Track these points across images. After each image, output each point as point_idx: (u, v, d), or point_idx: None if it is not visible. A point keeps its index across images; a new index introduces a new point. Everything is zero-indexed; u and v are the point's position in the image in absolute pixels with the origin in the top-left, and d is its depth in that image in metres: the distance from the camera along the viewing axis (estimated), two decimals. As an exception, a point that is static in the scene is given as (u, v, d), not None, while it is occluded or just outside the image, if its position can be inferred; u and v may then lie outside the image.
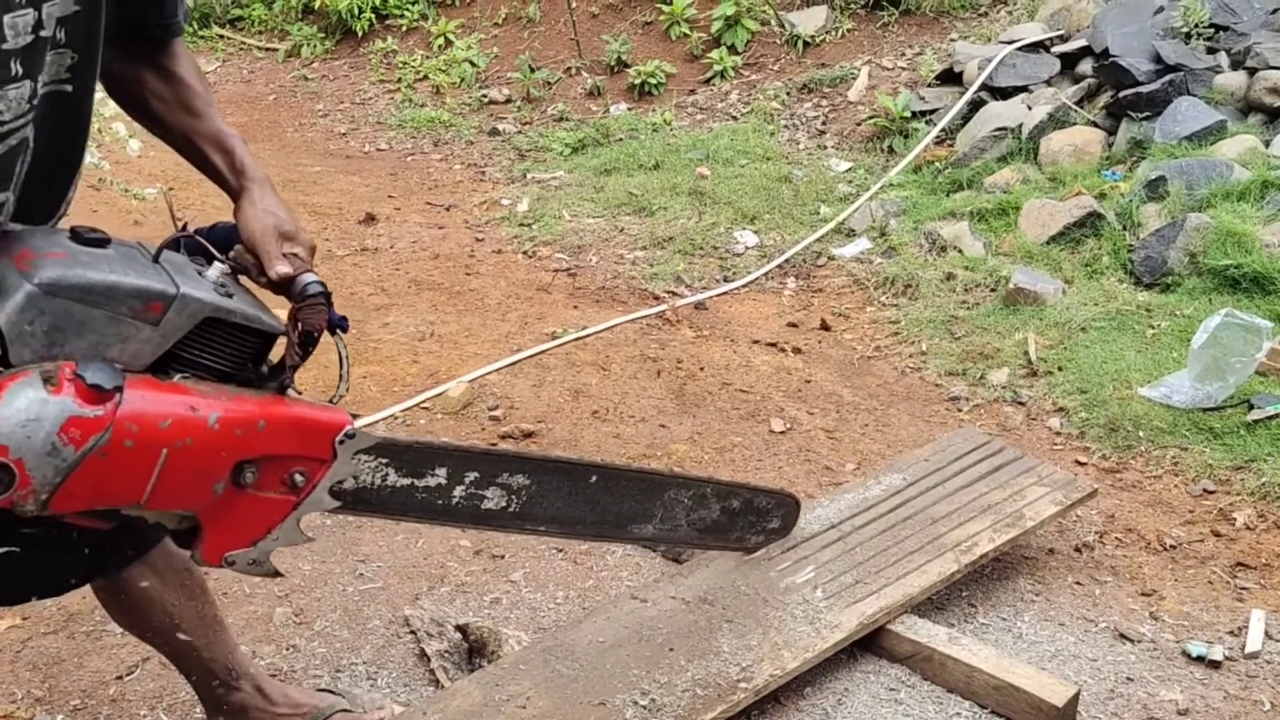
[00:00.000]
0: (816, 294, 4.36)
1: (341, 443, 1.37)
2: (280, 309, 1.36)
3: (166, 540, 1.63)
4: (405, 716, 1.89)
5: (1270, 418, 3.03)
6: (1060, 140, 4.77)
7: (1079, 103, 5.00)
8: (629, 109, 6.74)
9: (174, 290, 1.21)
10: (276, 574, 1.42)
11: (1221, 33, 4.94)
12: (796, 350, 3.86)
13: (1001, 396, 3.46)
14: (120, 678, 2.13)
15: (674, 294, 4.31)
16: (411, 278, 4.46)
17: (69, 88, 1.24)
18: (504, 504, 1.63)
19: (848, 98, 6.18)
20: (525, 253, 4.79)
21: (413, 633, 2.25)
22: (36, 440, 1.13)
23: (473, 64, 7.50)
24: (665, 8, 7.19)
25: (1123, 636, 2.33)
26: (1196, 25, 4.92)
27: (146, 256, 1.25)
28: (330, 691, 2.01)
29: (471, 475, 1.58)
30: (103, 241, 1.22)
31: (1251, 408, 3.09)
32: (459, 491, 1.57)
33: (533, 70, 7.15)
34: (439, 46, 7.82)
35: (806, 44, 6.79)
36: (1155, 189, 4.18)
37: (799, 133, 6.03)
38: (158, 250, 1.26)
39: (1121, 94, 4.75)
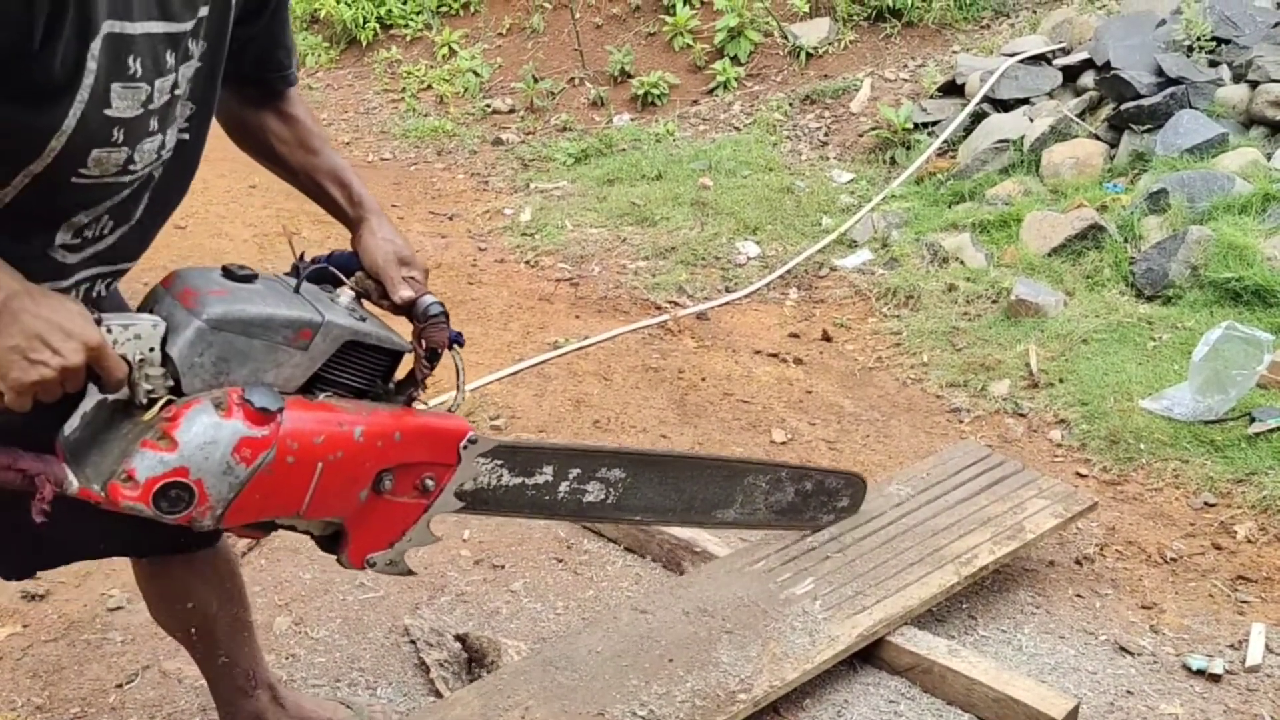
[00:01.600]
0: (818, 305, 4.37)
1: (465, 448, 1.50)
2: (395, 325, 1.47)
3: (221, 541, 1.70)
4: (405, 726, 1.90)
5: (1271, 431, 3.03)
6: (1062, 153, 4.78)
7: (1081, 115, 5.01)
8: (632, 119, 6.76)
9: (320, 318, 1.32)
10: (411, 573, 1.55)
11: (1223, 46, 4.96)
12: (798, 361, 3.86)
13: (1003, 408, 3.46)
14: (120, 686, 2.13)
15: (676, 304, 4.31)
16: (414, 287, 4.46)
17: (187, 136, 1.33)
18: (603, 496, 1.78)
19: (850, 109, 6.20)
20: (528, 262, 4.80)
21: (412, 642, 2.25)
22: (213, 461, 1.24)
23: (476, 74, 7.53)
24: (669, 19, 7.22)
25: (1123, 649, 2.33)
26: (1198, 38, 4.94)
27: (289, 288, 1.36)
28: (341, 703, 2.02)
29: (574, 471, 1.72)
30: (251, 277, 1.33)
31: (1253, 420, 3.09)
32: (564, 487, 1.72)
33: (536, 80, 7.17)
34: (443, 56, 7.85)
35: (809, 55, 6.82)
36: (1157, 201, 4.18)
37: (801, 144, 6.05)
38: (298, 282, 1.37)
39: (1123, 107, 4.76)
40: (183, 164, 1.37)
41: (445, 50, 7.86)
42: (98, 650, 2.23)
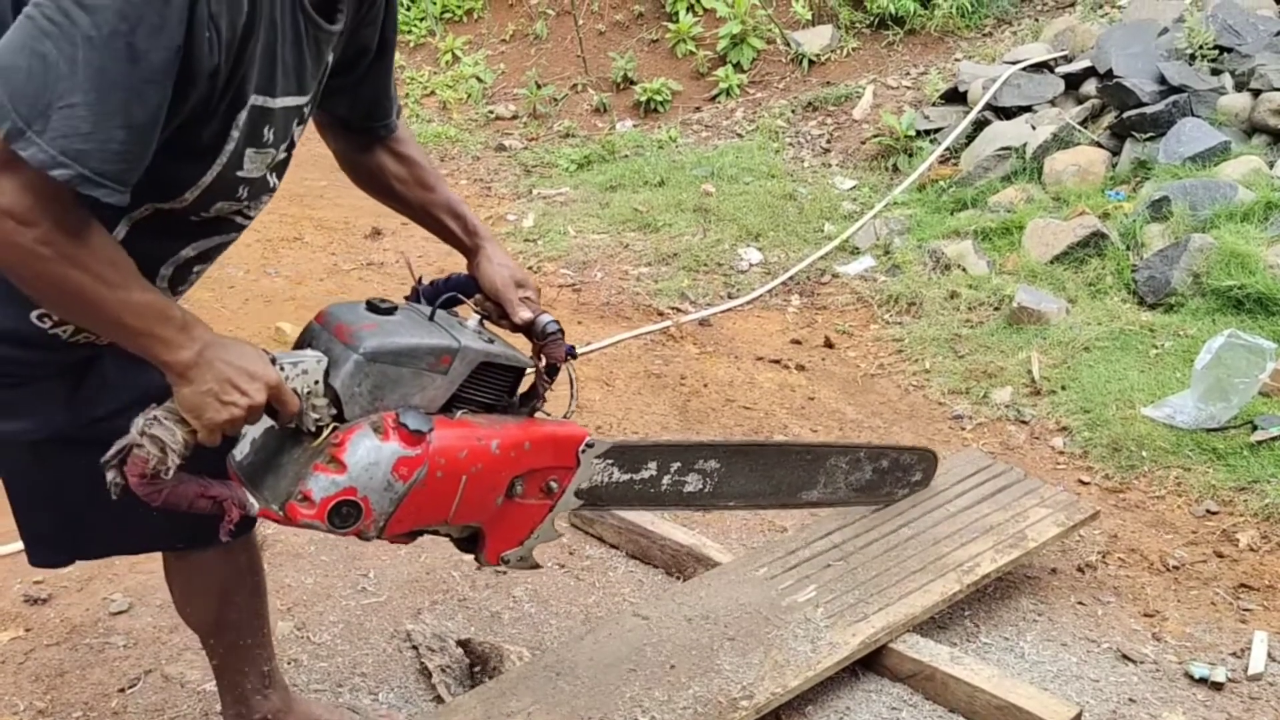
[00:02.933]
0: (820, 311, 4.37)
1: (583, 451, 1.62)
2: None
3: (252, 534, 1.76)
4: (407, 732, 1.90)
5: (1274, 439, 3.03)
6: (1064, 160, 4.78)
7: (1083, 123, 5.02)
8: (635, 126, 6.77)
9: (457, 344, 1.44)
10: (537, 566, 1.66)
11: (1226, 54, 4.96)
12: (800, 367, 3.86)
13: (1005, 415, 3.46)
14: (122, 690, 2.13)
15: (678, 310, 4.32)
16: (417, 292, 4.47)
17: (275, 180, 1.44)
18: (701, 486, 1.91)
19: (852, 116, 6.20)
20: (530, 268, 4.81)
21: (414, 648, 2.26)
22: (377, 479, 1.37)
23: (480, 80, 7.55)
24: (672, 26, 7.24)
25: (1125, 657, 2.33)
26: (1201, 47, 4.94)
27: (424, 317, 1.48)
28: (348, 709, 2.03)
29: (675, 465, 1.84)
30: (392, 309, 1.45)
31: (1255, 429, 3.09)
32: (666, 480, 1.84)
33: (539, 87, 7.19)
34: (446, 63, 7.87)
35: (812, 62, 6.83)
36: (1159, 209, 4.19)
37: (804, 150, 6.05)
38: (432, 311, 1.50)
39: (1125, 114, 4.77)
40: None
41: (449, 56, 7.88)
42: (100, 655, 2.23)
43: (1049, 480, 2.85)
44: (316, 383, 1.37)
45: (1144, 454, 3.12)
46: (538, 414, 1.60)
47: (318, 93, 1.41)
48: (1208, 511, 2.88)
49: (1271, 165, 4.32)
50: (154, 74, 1.10)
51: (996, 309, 4.06)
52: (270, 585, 2.46)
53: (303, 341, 1.44)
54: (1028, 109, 5.33)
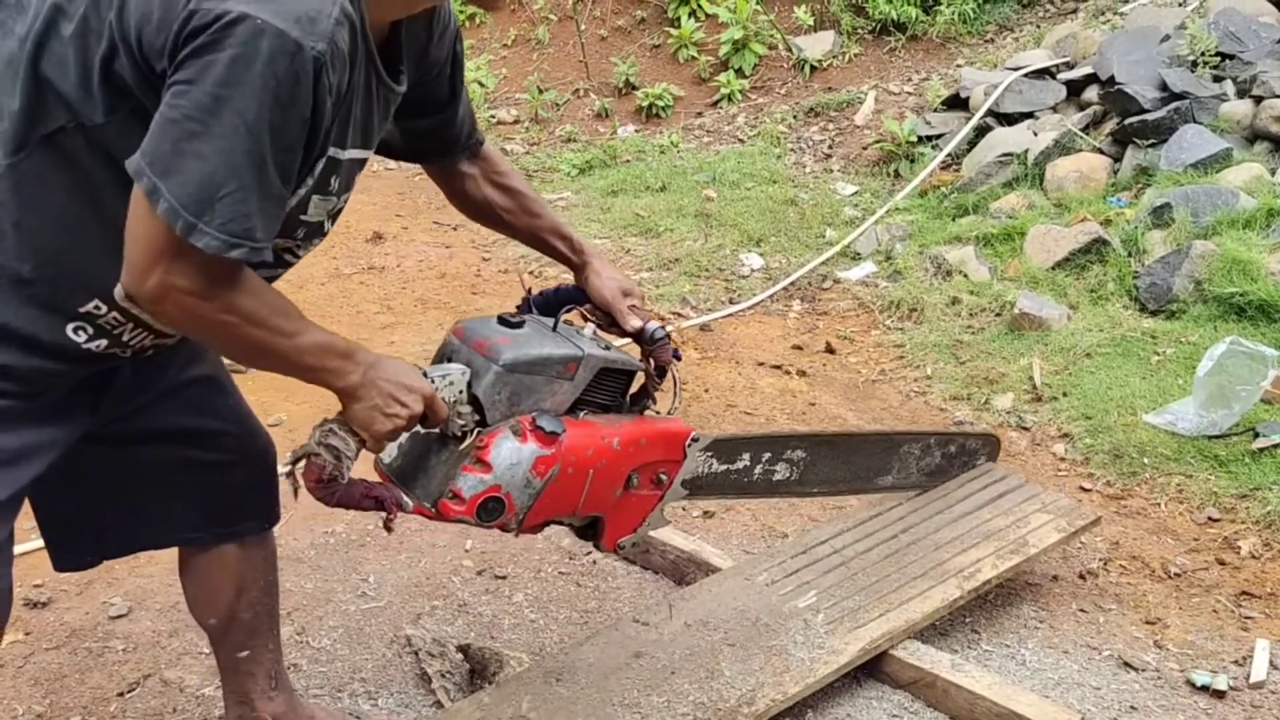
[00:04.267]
0: (822, 317, 4.37)
1: (689, 445, 1.77)
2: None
3: (271, 532, 1.80)
4: (406, 737, 1.90)
5: (1275, 446, 3.03)
6: (1066, 166, 4.78)
7: (1085, 129, 5.02)
8: (636, 131, 6.78)
9: (581, 353, 1.59)
10: (647, 551, 1.87)
11: (1227, 61, 4.96)
12: (801, 373, 3.86)
13: (1006, 421, 3.45)
14: (122, 694, 2.13)
15: (680, 315, 4.32)
16: (418, 296, 4.47)
17: (330, 225, 1.50)
18: (789, 475, 2.06)
19: (854, 122, 6.21)
20: (531, 273, 4.81)
21: (414, 653, 2.25)
22: (518, 477, 1.53)
23: (482, 84, 7.55)
24: (674, 31, 7.25)
25: (1127, 665, 2.32)
26: (1202, 53, 4.94)
27: (548, 328, 1.63)
28: (351, 714, 2.03)
29: (766, 455, 1.99)
30: (521, 323, 1.59)
31: (1257, 436, 3.09)
32: (758, 470, 1.99)
33: (541, 91, 7.20)
34: (448, 67, 7.87)
35: (814, 68, 6.84)
36: (1161, 216, 4.19)
37: (805, 156, 6.06)
38: (555, 322, 1.65)
39: (1127, 121, 4.77)
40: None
41: (450, 61, 7.89)
42: (99, 658, 2.23)
43: (1050, 487, 2.85)
44: (461, 392, 1.51)
45: (1145, 461, 3.11)
46: (647, 412, 1.74)
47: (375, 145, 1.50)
48: (1209, 519, 2.87)
49: (1273, 172, 4.32)
50: (291, 144, 1.22)
51: (998, 315, 4.06)
52: (270, 589, 2.46)
53: (443, 355, 1.58)
54: (1029, 115, 5.33)
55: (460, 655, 2.21)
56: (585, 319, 1.74)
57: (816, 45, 6.95)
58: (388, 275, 4.72)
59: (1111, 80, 5.00)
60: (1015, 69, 5.61)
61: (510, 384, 1.53)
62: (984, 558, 2.37)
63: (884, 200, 5.23)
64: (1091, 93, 5.22)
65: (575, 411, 1.62)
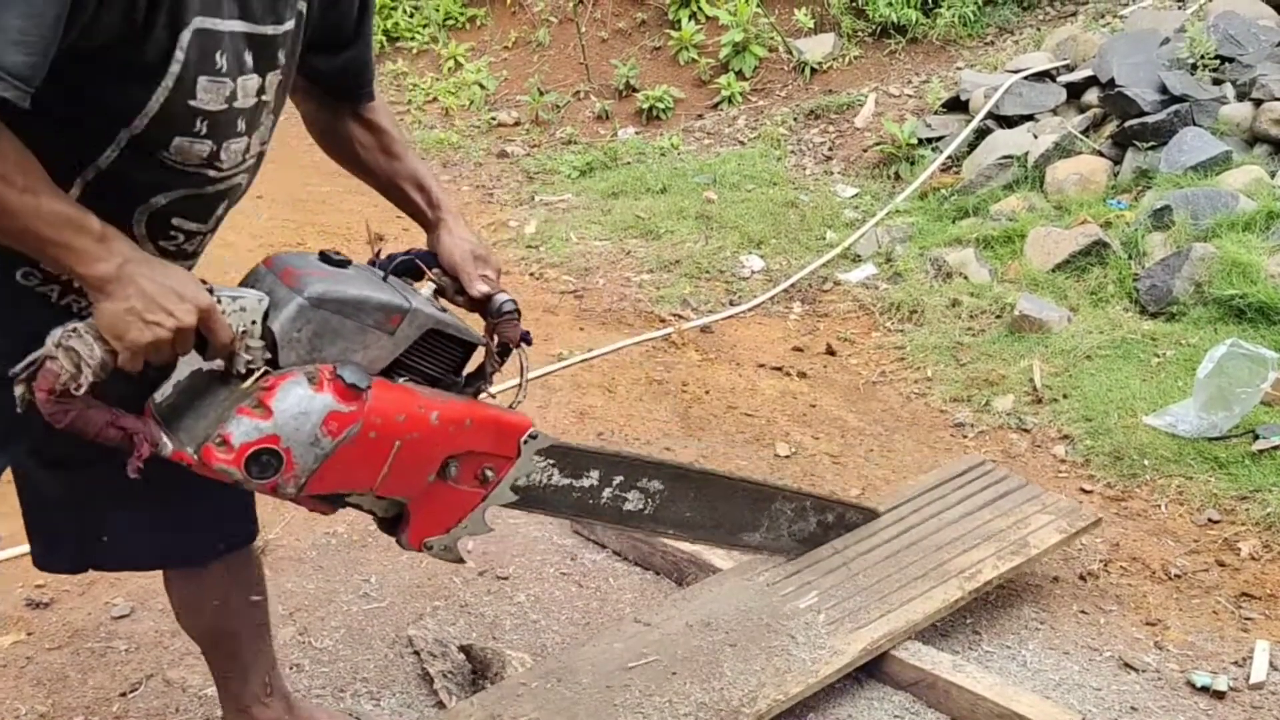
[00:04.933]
0: (822, 319, 4.38)
1: (525, 442, 1.56)
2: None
3: (251, 546, 1.75)
4: (408, 737, 1.90)
5: (1275, 448, 3.03)
6: (1066, 169, 4.79)
7: (1085, 132, 5.03)
8: (637, 133, 6.78)
9: (408, 305, 1.39)
10: (461, 560, 1.61)
11: (1227, 64, 4.97)
12: (802, 375, 3.86)
13: (1006, 423, 3.46)
14: (124, 695, 2.13)
15: (680, 317, 4.32)
16: (419, 298, 4.47)
17: (270, 146, 1.43)
18: (641, 506, 1.85)
19: (854, 124, 6.21)
20: (532, 274, 4.82)
21: (416, 653, 2.25)
22: (304, 431, 1.31)
23: (482, 86, 7.56)
24: (674, 33, 7.25)
25: (1127, 666, 2.33)
26: (1202, 56, 4.95)
27: (378, 276, 1.44)
28: (352, 715, 2.03)
29: (618, 478, 1.79)
30: (345, 263, 1.41)
31: (1257, 438, 3.09)
32: (607, 493, 1.79)
33: (542, 93, 7.20)
34: (449, 69, 7.88)
35: (814, 70, 6.84)
36: (1161, 218, 4.19)
37: (806, 158, 6.06)
38: (386, 272, 1.45)
39: (1127, 124, 4.78)
40: (257, 173, 1.47)
41: (451, 63, 7.90)
42: (102, 659, 2.23)
43: (1051, 488, 2.85)
44: (255, 323, 1.30)
45: (1146, 463, 3.12)
46: (483, 396, 1.54)
47: (291, 44, 1.36)
48: (1209, 520, 2.88)
49: (1273, 175, 4.33)
50: None
51: (998, 317, 4.06)
52: (272, 590, 2.46)
53: (246, 282, 1.37)
54: (1029, 118, 5.34)
55: (462, 656, 2.21)
56: (431, 281, 1.53)
57: (817, 48, 6.95)
58: (389, 277, 4.73)
59: (1111, 83, 5.01)
60: (1015, 72, 5.61)
61: (315, 322, 1.32)
62: (985, 558, 2.37)
63: (884, 202, 5.24)
64: (1091, 95, 5.22)
65: (393, 375, 1.42)
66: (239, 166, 1.37)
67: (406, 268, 1.52)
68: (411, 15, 8.33)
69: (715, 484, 1.99)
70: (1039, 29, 6.62)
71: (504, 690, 1.95)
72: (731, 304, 4.48)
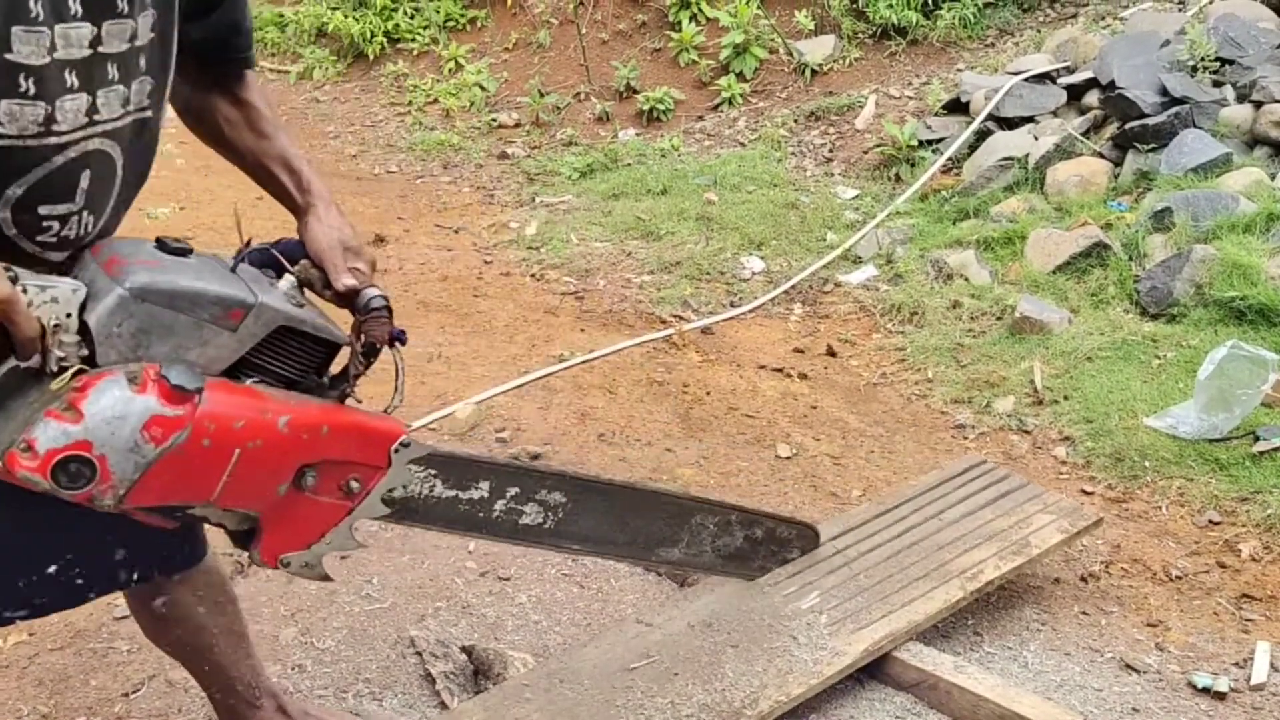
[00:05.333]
0: (823, 320, 4.38)
1: (396, 451, 1.43)
2: (343, 321, 1.43)
3: (207, 558, 1.68)
4: (410, 737, 1.90)
5: (1276, 449, 3.04)
6: (1066, 170, 4.80)
7: (1085, 134, 5.04)
8: (637, 134, 6.79)
9: (253, 299, 1.26)
10: (327, 578, 1.47)
11: (1227, 66, 4.97)
12: (803, 376, 3.87)
13: (1007, 425, 3.46)
14: (126, 695, 2.13)
15: (681, 318, 4.33)
16: (420, 299, 4.48)
17: (149, 113, 1.31)
18: (541, 520, 1.69)
19: (855, 126, 6.22)
20: (533, 275, 4.82)
21: (418, 653, 2.26)
22: (120, 437, 1.18)
23: (483, 88, 7.56)
24: (674, 35, 7.26)
25: (1128, 667, 2.33)
26: (1202, 59, 4.96)
27: (225, 267, 1.31)
28: (350, 712, 2.03)
29: (512, 490, 1.64)
30: (185, 251, 1.28)
31: (1257, 439, 3.09)
32: (500, 506, 1.63)
33: (542, 95, 7.21)
34: (449, 70, 7.89)
35: (814, 72, 6.85)
36: (1161, 220, 4.20)
37: (806, 160, 6.07)
38: (235, 261, 1.32)
39: (1128, 126, 4.78)
40: (146, 144, 1.34)
41: (452, 64, 7.90)
42: (104, 659, 2.23)
43: (1052, 490, 2.85)
44: (69, 316, 1.17)
45: (1146, 464, 3.12)
46: (349, 401, 1.41)
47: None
48: (1210, 522, 2.88)
49: (1273, 177, 4.33)
50: None
51: (999, 319, 4.07)
52: (274, 591, 2.47)
53: (67, 271, 1.25)
54: (1030, 119, 5.34)
55: (464, 656, 2.21)
56: (292, 274, 1.39)
57: (817, 49, 6.96)
58: (389, 278, 4.73)
59: (1112, 85, 5.01)
60: (1016, 73, 5.62)
61: (138, 316, 1.19)
62: (986, 559, 2.38)
63: (885, 204, 5.24)
64: (1092, 97, 5.23)
65: (240, 376, 1.29)
66: (84, 128, 1.24)
67: (265, 258, 1.39)
68: (412, 17, 8.34)
69: (626, 496, 1.85)
70: (1039, 31, 6.62)
71: (506, 691, 1.95)
72: (732, 305, 4.48)
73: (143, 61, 1.27)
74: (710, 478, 3.11)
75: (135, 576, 1.58)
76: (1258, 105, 4.63)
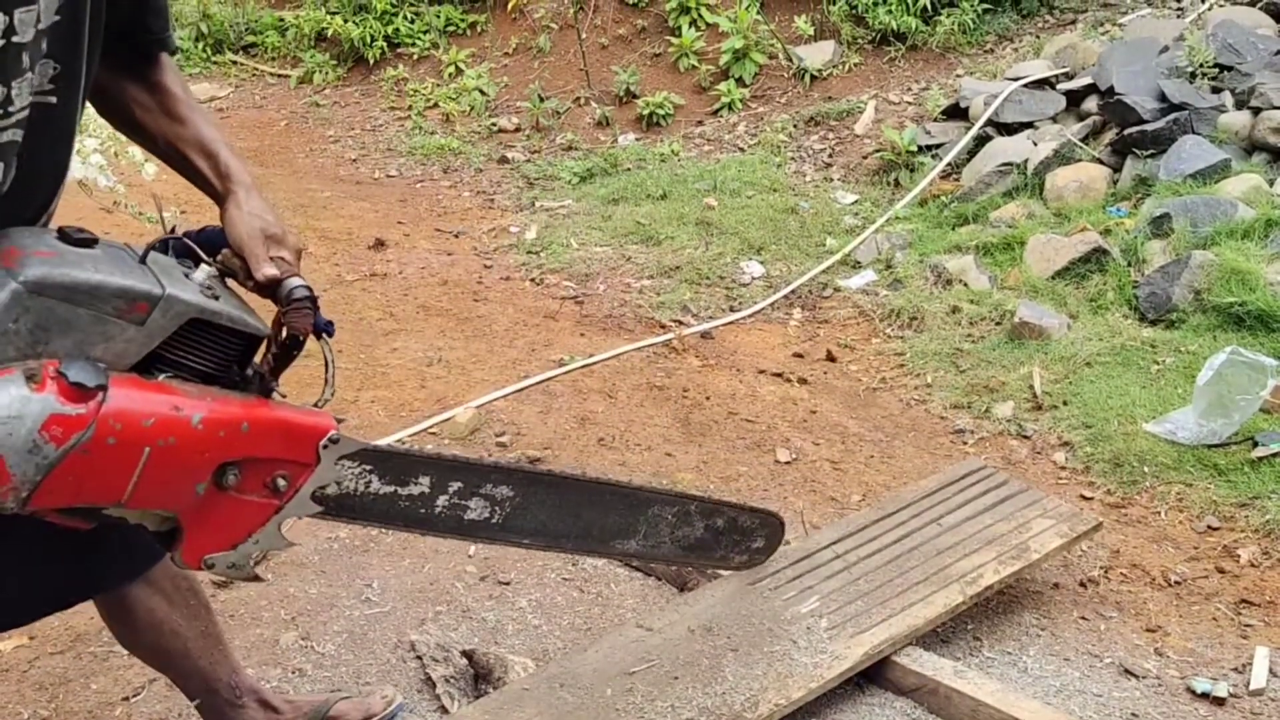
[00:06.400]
0: (822, 325, 4.39)
1: (325, 447, 1.37)
2: (267, 313, 1.38)
3: (169, 559, 1.64)
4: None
5: (1275, 455, 3.04)
6: (1066, 176, 4.81)
7: (1084, 140, 5.05)
8: (637, 139, 6.80)
9: (159, 291, 1.21)
10: (256, 578, 1.43)
11: (1226, 72, 4.99)
12: (802, 381, 3.87)
13: (1006, 430, 3.47)
14: (127, 699, 2.13)
15: (680, 323, 4.33)
16: (420, 303, 4.49)
17: (54, 99, 1.25)
18: (487, 515, 1.63)
19: (854, 131, 6.23)
20: (533, 280, 4.83)
21: (418, 658, 2.26)
22: (18, 438, 1.13)
23: (483, 92, 7.57)
24: (674, 40, 7.27)
25: (1128, 672, 2.33)
26: (1201, 65, 4.97)
27: (134, 258, 1.25)
28: (334, 690, 2.03)
29: (455, 485, 1.58)
30: (90, 241, 1.22)
31: (1256, 445, 3.10)
32: (442, 501, 1.57)
33: (542, 100, 7.22)
34: (450, 75, 7.90)
35: (814, 77, 6.86)
36: (1160, 226, 4.21)
37: (806, 165, 6.08)
38: (144, 252, 1.26)
39: (1126, 131, 4.79)
40: (54, 132, 1.29)
41: (452, 69, 7.91)
42: (104, 663, 2.23)
43: (1051, 495, 2.86)
44: None
45: (1145, 469, 3.13)
46: (275, 395, 1.36)
47: None
48: (1209, 527, 2.88)
49: (1271, 183, 4.35)
50: None
51: (998, 324, 4.07)
52: (274, 595, 2.47)
53: None
54: (1029, 125, 5.35)
55: (464, 660, 2.22)
56: (209, 264, 1.33)
57: (817, 55, 6.97)
58: (390, 282, 4.74)
59: (1111, 91, 5.02)
60: (1015, 79, 5.63)
61: (35, 311, 1.15)
62: (986, 563, 2.38)
63: (884, 209, 5.25)
64: (1091, 103, 5.24)
65: (150, 372, 1.24)
66: (13, 122, 1.20)
67: (184, 248, 1.34)
68: (412, 21, 8.35)
69: (576, 488, 1.79)
70: (1038, 37, 6.64)
71: (506, 695, 1.96)
72: (732, 310, 4.48)
73: (44, 44, 1.22)
74: (710, 482, 3.12)
75: (96, 590, 1.56)
76: (1256, 111, 4.64)
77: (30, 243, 1.19)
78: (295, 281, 1.33)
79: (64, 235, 1.22)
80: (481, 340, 4.12)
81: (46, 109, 1.25)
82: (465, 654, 2.22)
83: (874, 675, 2.18)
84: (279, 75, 8.66)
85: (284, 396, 1.38)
